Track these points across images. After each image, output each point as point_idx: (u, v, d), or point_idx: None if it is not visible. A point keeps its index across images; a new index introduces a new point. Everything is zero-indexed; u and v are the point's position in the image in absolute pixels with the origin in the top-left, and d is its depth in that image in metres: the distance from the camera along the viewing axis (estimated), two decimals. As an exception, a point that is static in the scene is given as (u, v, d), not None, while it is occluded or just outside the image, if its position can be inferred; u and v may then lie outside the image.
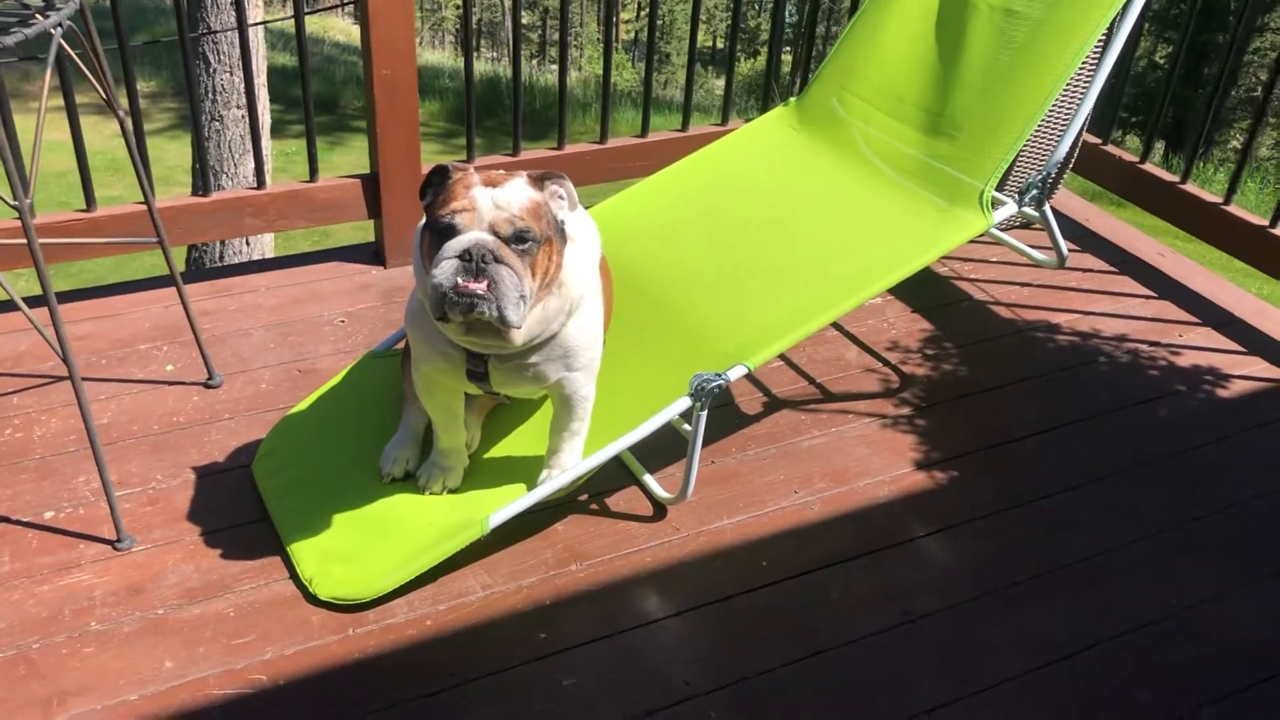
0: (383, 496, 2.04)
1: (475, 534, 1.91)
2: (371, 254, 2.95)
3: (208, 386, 2.42)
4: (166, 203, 2.64)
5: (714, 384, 1.93)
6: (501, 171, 1.81)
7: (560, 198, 1.81)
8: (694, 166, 2.50)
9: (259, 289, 2.80)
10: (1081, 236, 3.18)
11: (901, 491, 2.22)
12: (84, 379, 2.42)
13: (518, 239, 1.70)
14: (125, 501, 2.10)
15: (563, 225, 1.80)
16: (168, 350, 2.54)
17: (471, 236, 1.69)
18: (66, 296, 2.71)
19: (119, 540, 2.00)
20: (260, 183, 2.74)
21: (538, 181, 1.78)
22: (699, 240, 2.31)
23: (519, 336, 1.78)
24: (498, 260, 1.68)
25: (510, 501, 1.95)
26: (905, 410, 2.45)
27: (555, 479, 1.99)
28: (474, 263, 1.67)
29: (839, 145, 2.46)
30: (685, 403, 1.95)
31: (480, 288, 1.67)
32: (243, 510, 2.09)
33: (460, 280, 1.67)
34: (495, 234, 1.69)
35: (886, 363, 2.61)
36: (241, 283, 2.82)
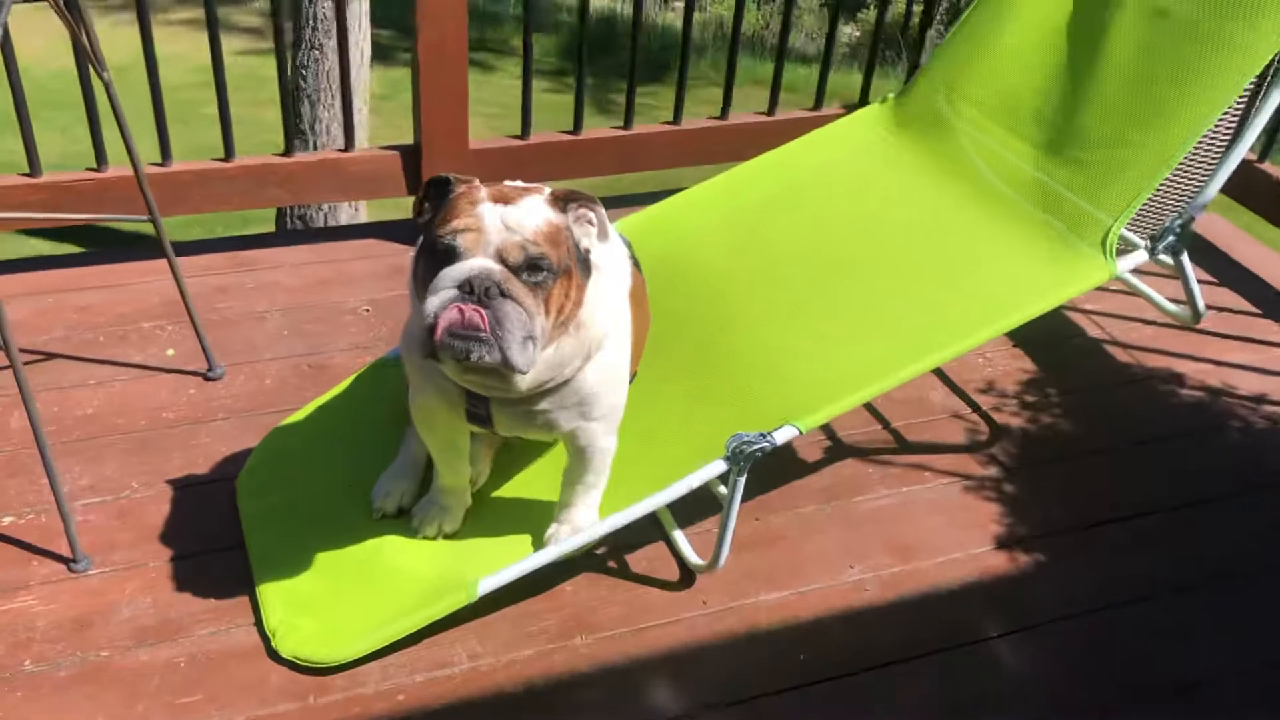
0: (369, 536, 1.78)
1: (462, 600, 1.64)
2: (411, 232, 2.68)
3: (207, 378, 2.18)
4: (183, 167, 2.40)
5: (755, 447, 1.62)
6: (517, 183, 1.51)
7: (589, 224, 1.51)
8: (765, 170, 2.16)
9: (283, 265, 2.55)
10: (1221, 267, 2.75)
11: (977, 575, 1.88)
12: (75, 358, 2.21)
13: (530, 268, 1.40)
14: (92, 511, 1.88)
15: (586, 255, 1.50)
16: (172, 331, 2.31)
17: (474, 264, 1.39)
18: (76, 260, 2.50)
19: (74, 561, 1.78)
20: (286, 146, 2.48)
21: (560, 202, 1.48)
22: (761, 263, 1.98)
23: (524, 381, 1.49)
24: (504, 294, 1.38)
25: (508, 564, 1.67)
26: (992, 471, 2.09)
27: (562, 542, 1.70)
28: (476, 295, 1.38)
29: (942, 157, 2.09)
30: (721, 465, 1.64)
31: (481, 327, 1.38)
32: (219, 533, 1.85)
33: (457, 316, 1.38)
34: (503, 261, 1.40)
35: (977, 408, 2.25)
36: (267, 256, 2.58)
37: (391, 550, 1.76)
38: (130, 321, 2.32)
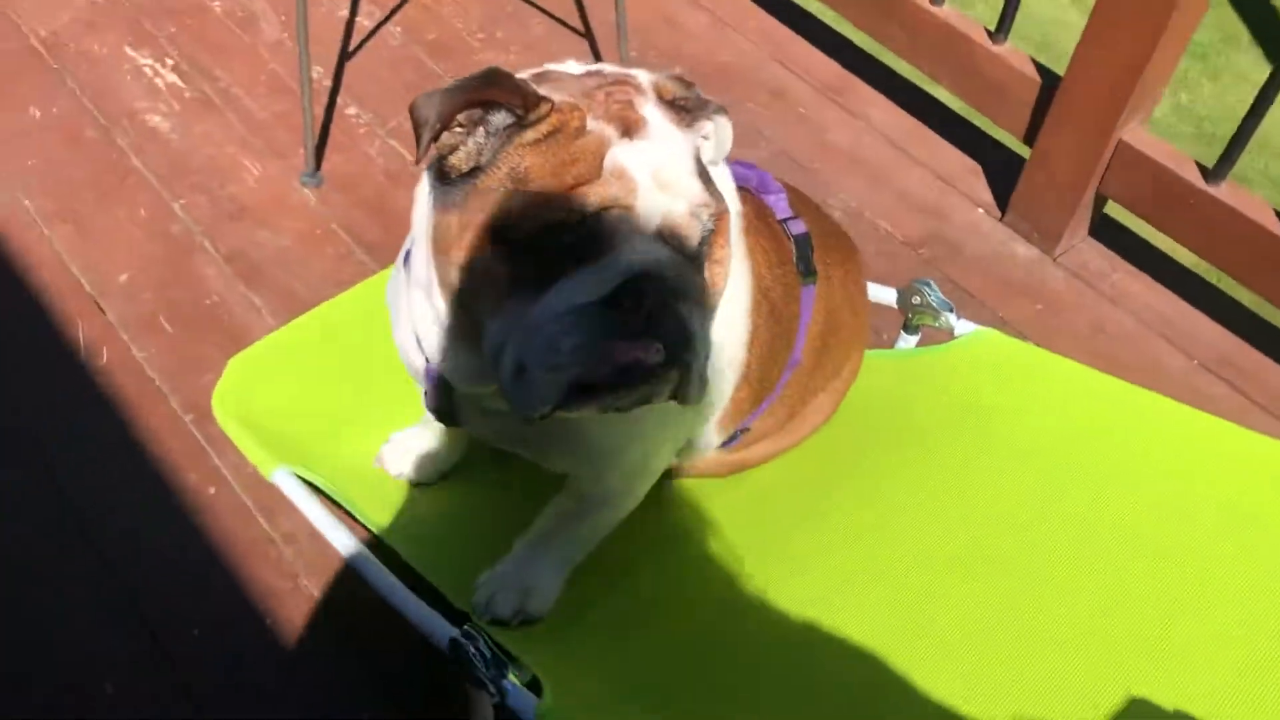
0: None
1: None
2: (1008, 179, 1.87)
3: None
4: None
5: None
6: (608, 76, 0.88)
7: (705, 138, 0.89)
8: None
9: (857, 119, 1.98)
10: None
11: None
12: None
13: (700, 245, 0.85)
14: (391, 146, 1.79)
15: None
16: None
17: (639, 257, 0.79)
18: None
19: (308, 173, 1.74)
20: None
21: (679, 111, 0.87)
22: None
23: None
24: (680, 296, 0.81)
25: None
26: None
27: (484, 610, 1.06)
28: (644, 312, 0.79)
29: None
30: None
31: (655, 356, 0.79)
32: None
33: (619, 357, 0.78)
34: (669, 244, 0.82)
35: None
36: (861, 95, 2.03)
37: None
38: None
